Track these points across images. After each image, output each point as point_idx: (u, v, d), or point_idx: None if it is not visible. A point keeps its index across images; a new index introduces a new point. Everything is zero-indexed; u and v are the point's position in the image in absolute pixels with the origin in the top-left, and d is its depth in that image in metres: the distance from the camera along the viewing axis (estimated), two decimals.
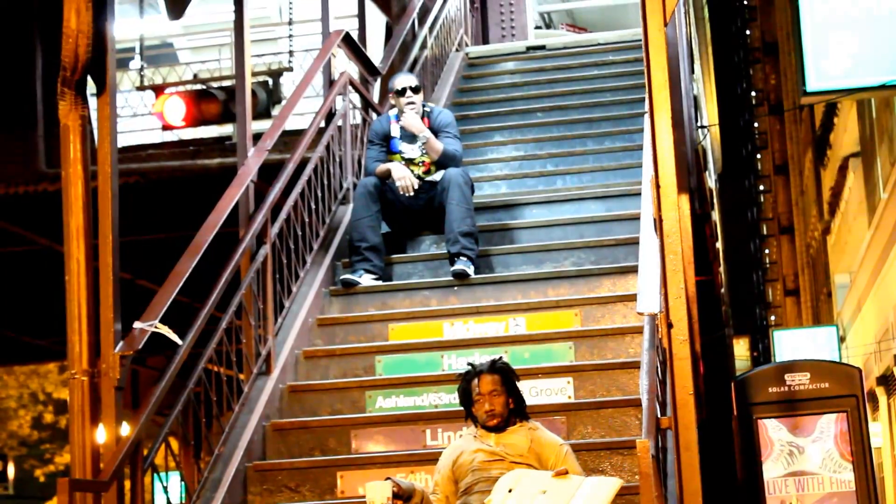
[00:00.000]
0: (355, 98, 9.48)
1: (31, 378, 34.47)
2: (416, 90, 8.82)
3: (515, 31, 14.37)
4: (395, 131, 8.86)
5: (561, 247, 8.48)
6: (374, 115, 9.58)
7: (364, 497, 5.36)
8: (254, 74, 11.28)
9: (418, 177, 8.69)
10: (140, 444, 5.96)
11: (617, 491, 5.21)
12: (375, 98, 9.84)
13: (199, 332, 6.60)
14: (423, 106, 8.93)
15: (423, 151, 8.71)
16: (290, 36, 12.77)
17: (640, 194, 7.38)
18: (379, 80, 9.90)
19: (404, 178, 8.57)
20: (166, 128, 12.23)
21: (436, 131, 8.78)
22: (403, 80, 8.94)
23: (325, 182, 8.72)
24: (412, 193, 8.60)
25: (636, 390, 6.52)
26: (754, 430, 6.91)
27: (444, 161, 8.65)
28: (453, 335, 7.82)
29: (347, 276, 8.38)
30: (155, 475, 6.27)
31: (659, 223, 5.65)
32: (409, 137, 8.78)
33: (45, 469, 39.00)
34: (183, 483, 6.54)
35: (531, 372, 7.04)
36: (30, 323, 19.16)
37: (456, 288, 8.21)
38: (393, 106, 8.96)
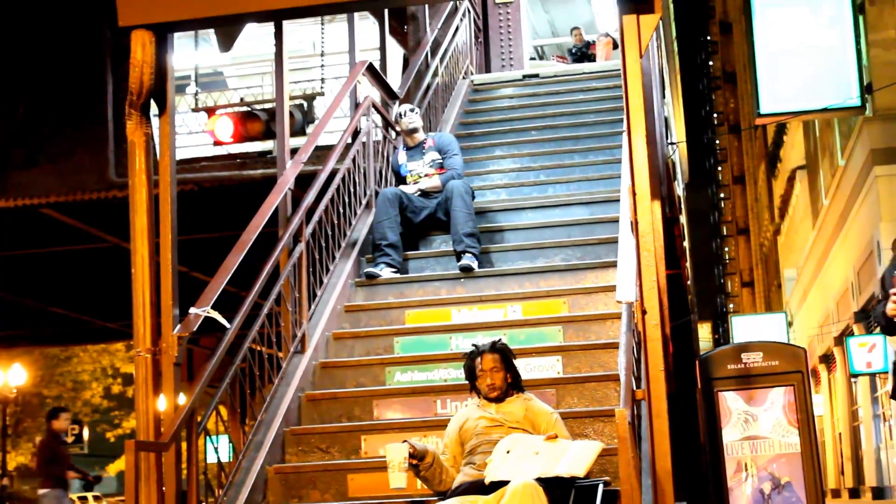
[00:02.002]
0: (377, 118, 9.46)
1: (103, 355, 34.57)
2: (413, 111, 9.07)
3: (514, 61, 14.32)
4: (402, 159, 9.07)
5: (552, 245, 8.46)
6: (392, 133, 9.58)
7: (384, 457, 5.36)
8: (291, 98, 11.26)
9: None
10: (194, 411, 5.95)
11: (599, 453, 5.22)
12: (394, 118, 9.83)
13: (245, 317, 6.58)
14: (426, 134, 9.10)
15: (429, 163, 8.90)
16: (322, 65, 12.76)
17: (619, 200, 7.36)
18: (397, 102, 9.89)
19: None
20: (217, 144, 12.21)
21: (441, 150, 8.88)
22: (402, 107, 9.20)
23: (352, 190, 8.71)
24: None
25: (615, 367, 6.49)
26: (715, 401, 6.88)
27: (448, 179, 8.75)
28: (460, 320, 7.79)
29: (370, 269, 8.39)
30: (207, 438, 6.27)
31: (635, 225, 5.64)
32: (414, 157, 8.90)
33: (115, 432, 39.12)
34: (231, 444, 6.54)
35: (526, 351, 7.02)
36: (101, 308, 19.22)
37: (462, 280, 8.20)
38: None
